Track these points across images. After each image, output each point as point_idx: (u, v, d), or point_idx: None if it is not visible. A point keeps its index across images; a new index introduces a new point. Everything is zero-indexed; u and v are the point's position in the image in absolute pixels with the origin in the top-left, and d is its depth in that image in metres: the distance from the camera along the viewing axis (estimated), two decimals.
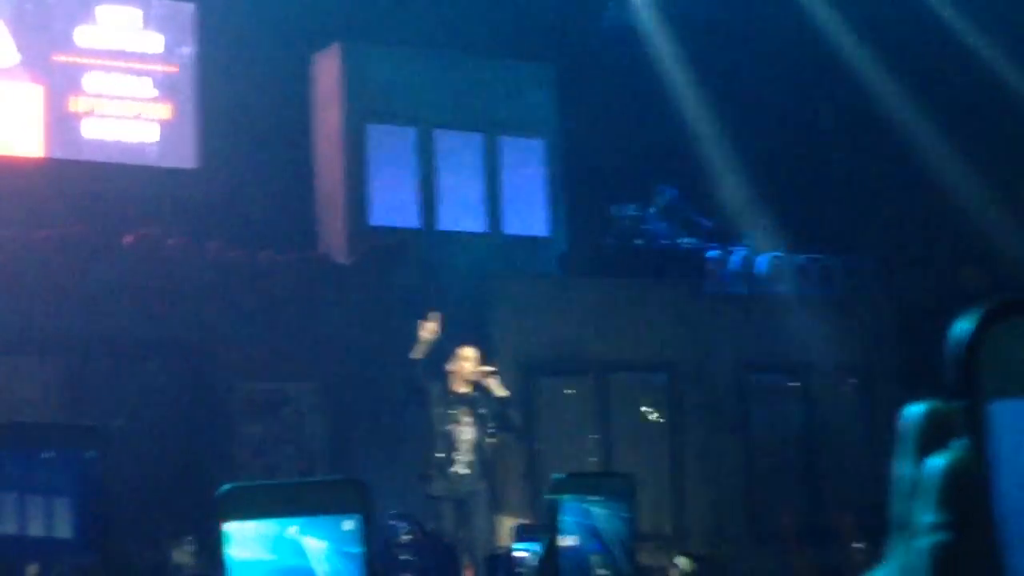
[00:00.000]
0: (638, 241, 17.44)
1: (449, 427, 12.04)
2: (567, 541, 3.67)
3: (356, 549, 2.27)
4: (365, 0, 17.02)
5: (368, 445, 15.14)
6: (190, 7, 16.78)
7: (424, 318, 12.12)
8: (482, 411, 12.14)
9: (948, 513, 2.05)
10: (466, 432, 12.04)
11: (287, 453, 15.27)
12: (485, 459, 12.22)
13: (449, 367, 12.25)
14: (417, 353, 12.05)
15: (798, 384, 17.75)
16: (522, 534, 12.83)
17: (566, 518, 3.68)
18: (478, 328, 14.69)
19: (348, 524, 2.27)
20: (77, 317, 14.24)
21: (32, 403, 14.11)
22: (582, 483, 3.82)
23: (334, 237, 16.59)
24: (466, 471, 11.99)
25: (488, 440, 12.22)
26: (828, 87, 18.53)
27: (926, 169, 17.85)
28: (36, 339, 14.22)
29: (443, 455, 11.99)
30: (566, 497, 3.69)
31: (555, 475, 3.81)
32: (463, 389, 12.15)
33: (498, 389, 12.19)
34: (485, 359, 12.47)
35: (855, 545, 15.25)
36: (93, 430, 3.53)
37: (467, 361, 12.21)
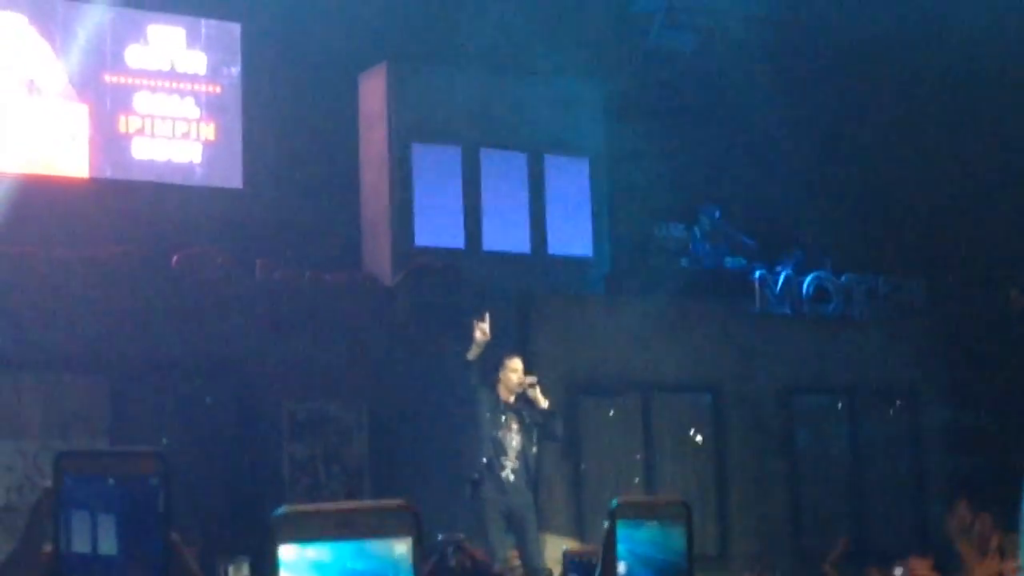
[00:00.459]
0: (683, 261, 17.41)
1: (498, 433, 12.09)
2: (622, 568, 3.65)
3: (408, 573, 2.27)
4: (410, 20, 17.07)
5: (412, 465, 15.13)
6: (236, 27, 16.87)
7: (479, 319, 12.15)
8: (527, 420, 12.19)
9: None
10: (514, 439, 12.10)
11: (332, 472, 15.28)
12: (530, 469, 12.26)
13: (497, 376, 12.31)
14: (471, 355, 12.10)
15: (844, 405, 17.65)
16: (572, 564, 12.78)
17: (622, 546, 3.65)
18: (523, 348, 14.67)
19: (401, 548, 2.27)
20: (123, 336, 14.30)
21: (79, 421, 14.17)
22: (638, 509, 3.78)
23: (379, 257, 16.60)
24: (513, 477, 12.04)
25: (533, 449, 12.26)
26: (876, 106, 18.46)
27: (974, 189, 17.76)
28: (83, 358, 14.26)
29: (492, 459, 12.04)
30: (621, 523, 3.66)
31: (612, 501, 3.78)
32: (510, 398, 12.20)
33: (541, 399, 12.22)
34: (530, 370, 12.50)
35: (897, 569, 15.14)
36: (153, 455, 3.54)
37: (514, 371, 12.26)
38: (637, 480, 16.55)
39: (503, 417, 12.13)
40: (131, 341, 14.31)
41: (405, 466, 15.18)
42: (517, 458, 12.10)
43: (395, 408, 15.31)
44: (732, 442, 17.02)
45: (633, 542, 3.64)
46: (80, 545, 3.30)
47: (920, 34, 17.89)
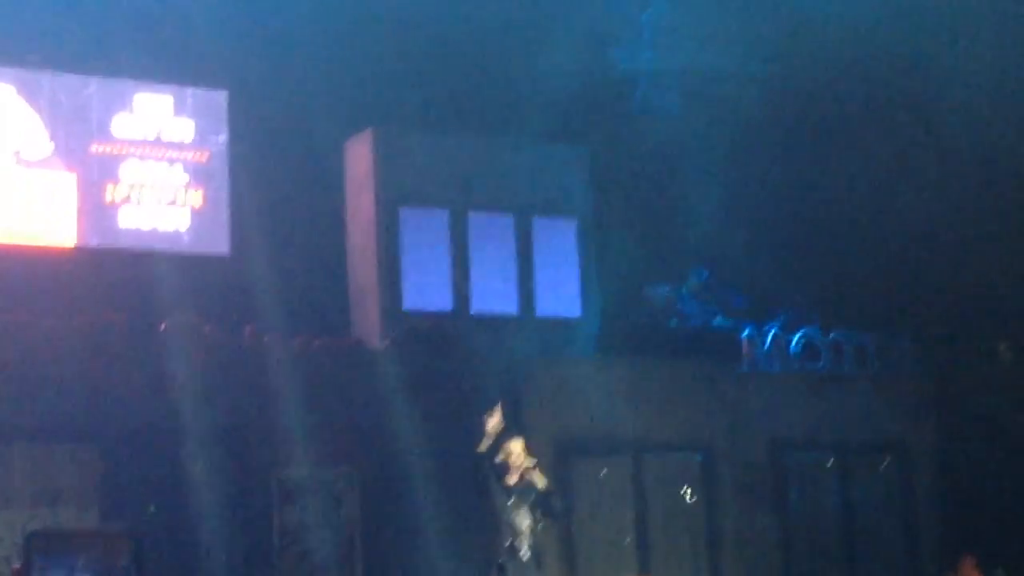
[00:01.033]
0: (672, 321, 17.43)
1: (510, 516, 12.12)
2: None
3: None
4: (396, 86, 17.15)
5: (403, 528, 15.10)
6: (222, 94, 16.93)
7: (488, 413, 12.15)
8: (531, 499, 12.22)
9: None
10: (524, 520, 12.13)
11: (323, 538, 15.24)
12: (538, 546, 12.28)
13: (498, 459, 12.30)
14: (482, 447, 12.09)
15: (834, 462, 17.64)
16: None
17: None
18: (512, 411, 14.66)
19: None
20: (112, 405, 14.28)
21: (68, 491, 14.14)
22: None
23: (367, 322, 16.62)
24: (530, 556, 12.09)
25: (538, 526, 12.28)
26: (863, 165, 18.53)
27: (961, 246, 17.82)
28: (72, 427, 14.24)
29: (510, 543, 12.08)
30: None
31: None
32: (513, 480, 12.22)
33: (540, 480, 12.24)
34: (531, 450, 12.50)
35: None
36: (127, 536, 3.56)
37: (516, 454, 12.27)
38: (628, 540, 16.53)
39: (512, 500, 12.16)
40: (120, 409, 14.29)
41: (396, 530, 15.15)
42: (530, 537, 12.15)
43: (385, 472, 15.29)
44: (723, 500, 17.01)
45: None
46: None
47: (906, 95, 17.98)
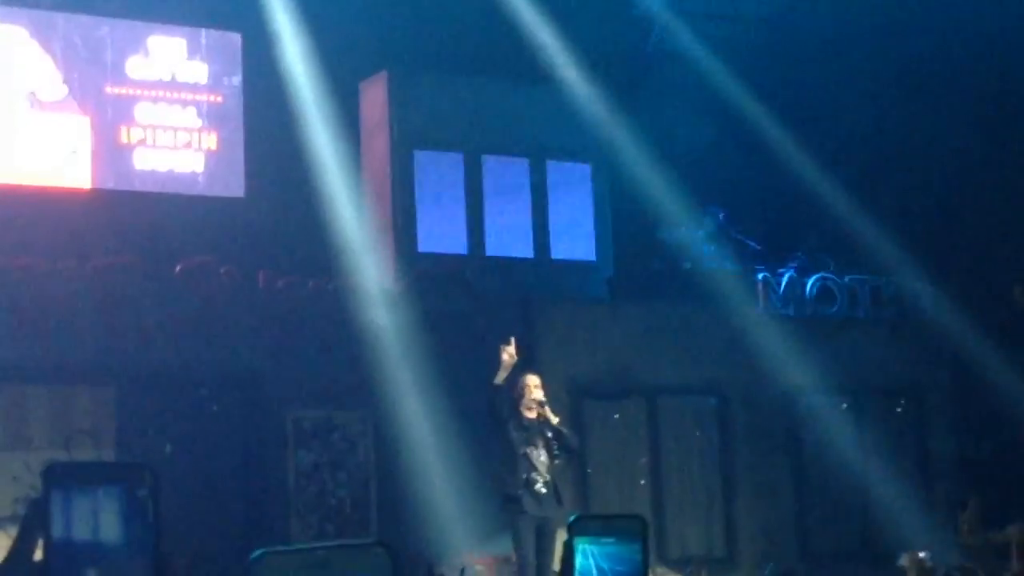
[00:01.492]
0: (686, 264, 17.40)
1: (527, 449, 12.18)
2: None
3: None
4: (411, 28, 17.09)
5: (417, 472, 15.15)
6: (237, 36, 16.89)
7: (504, 343, 12.19)
8: (547, 435, 12.30)
9: None
10: (541, 454, 12.21)
11: (338, 480, 15.30)
12: (555, 482, 12.37)
13: (515, 394, 12.36)
14: (498, 379, 12.14)
15: (849, 406, 17.65)
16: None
17: (580, 560, 3.74)
18: (527, 353, 14.68)
19: None
20: (128, 347, 14.32)
21: (84, 432, 14.20)
22: (596, 525, 3.89)
23: (383, 264, 16.62)
24: (545, 491, 12.16)
25: (555, 463, 12.36)
26: (879, 106, 18.45)
27: (977, 189, 17.76)
28: (88, 369, 14.29)
29: (526, 476, 12.15)
30: (579, 539, 3.76)
31: (570, 516, 3.88)
32: (530, 415, 12.29)
33: (552, 416, 12.30)
34: (546, 388, 12.55)
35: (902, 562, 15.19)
36: (145, 468, 3.58)
37: (532, 388, 12.33)
38: (643, 482, 16.56)
39: (528, 434, 12.22)
40: (135, 351, 14.33)
41: (410, 473, 15.20)
42: (547, 472, 12.23)
43: (400, 414, 15.32)
44: (737, 444, 17.04)
45: (591, 556, 3.72)
46: (69, 555, 3.33)
47: (924, 32, 17.89)
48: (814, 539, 17.21)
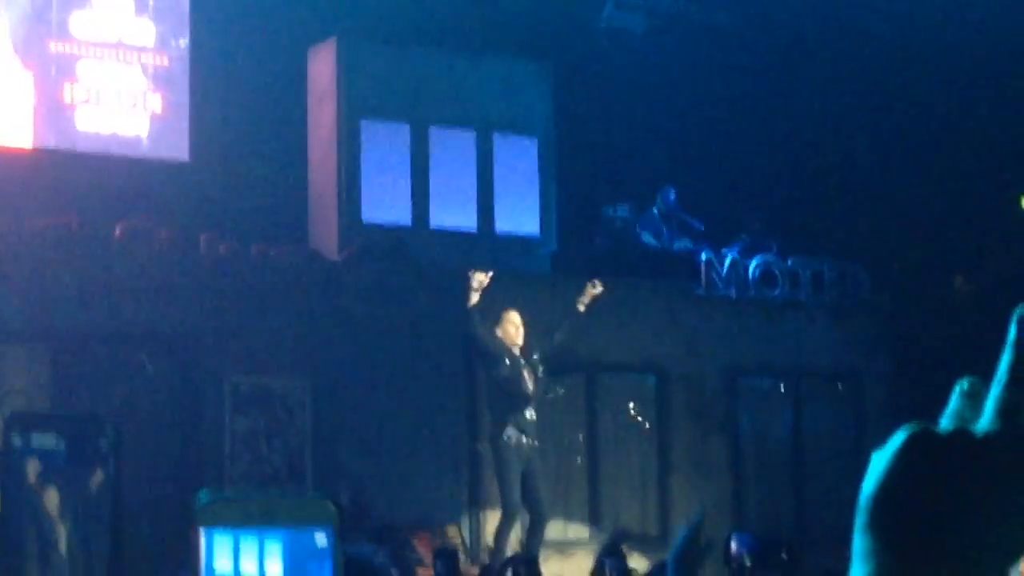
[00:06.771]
0: (630, 242, 17.42)
1: (515, 378, 12.37)
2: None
3: (328, 561, 2.25)
4: None
5: (354, 441, 15.14)
6: None
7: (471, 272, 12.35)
8: (537, 365, 12.54)
9: None
10: (529, 385, 12.39)
11: (274, 447, 15.24)
12: (542, 412, 12.61)
13: (498, 330, 12.58)
14: (473, 300, 12.27)
15: (787, 389, 17.74)
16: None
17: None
18: (467, 326, 14.64)
19: (321, 538, 2.25)
20: (65, 307, 14.21)
21: (20, 394, 14.09)
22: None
23: (326, 233, 16.55)
24: (533, 418, 12.37)
25: (547, 395, 12.69)
26: (825, 90, 18.50)
27: (919, 175, 17.85)
28: (24, 330, 14.19)
29: (511, 405, 12.34)
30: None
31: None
32: (516, 348, 12.51)
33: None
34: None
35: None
36: (108, 421, 3.53)
37: (514, 324, 12.56)
38: (579, 460, 16.60)
39: (516, 364, 12.39)
40: (73, 312, 14.23)
41: (348, 442, 15.18)
42: (532, 401, 12.47)
43: (339, 384, 15.29)
44: (675, 423, 17.08)
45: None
46: (30, 505, 3.28)
47: (871, 15, 17.95)
48: (749, 520, 17.27)
